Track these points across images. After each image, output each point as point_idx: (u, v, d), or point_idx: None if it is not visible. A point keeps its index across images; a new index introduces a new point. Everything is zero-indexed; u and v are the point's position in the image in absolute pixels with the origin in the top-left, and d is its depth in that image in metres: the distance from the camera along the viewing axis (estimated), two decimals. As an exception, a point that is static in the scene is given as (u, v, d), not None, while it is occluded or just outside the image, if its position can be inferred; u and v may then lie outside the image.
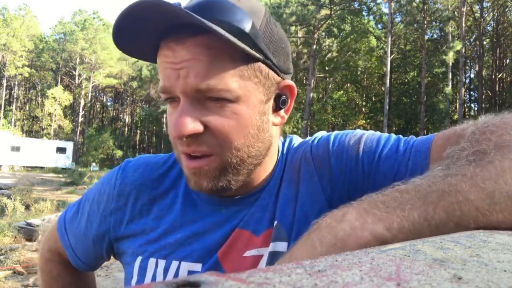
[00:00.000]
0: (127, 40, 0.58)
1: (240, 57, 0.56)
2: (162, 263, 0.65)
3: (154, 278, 0.65)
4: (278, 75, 0.62)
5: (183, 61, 0.55)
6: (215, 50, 0.55)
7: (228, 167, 0.59)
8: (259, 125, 0.61)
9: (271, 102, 0.63)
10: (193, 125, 0.55)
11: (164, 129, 46.03)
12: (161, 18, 0.53)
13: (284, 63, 0.63)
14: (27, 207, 9.76)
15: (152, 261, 0.66)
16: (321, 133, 0.74)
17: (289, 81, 0.65)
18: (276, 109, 0.64)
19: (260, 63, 0.58)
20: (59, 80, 46.41)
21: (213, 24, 0.51)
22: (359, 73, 34.80)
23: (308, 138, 0.75)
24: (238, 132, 0.58)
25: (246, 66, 0.57)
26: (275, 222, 0.65)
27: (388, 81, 22.23)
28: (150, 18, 0.53)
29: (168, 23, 0.55)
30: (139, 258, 0.67)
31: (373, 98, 35.32)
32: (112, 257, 0.78)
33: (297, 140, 0.76)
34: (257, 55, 0.57)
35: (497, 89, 31.72)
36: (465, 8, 24.85)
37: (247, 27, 0.55)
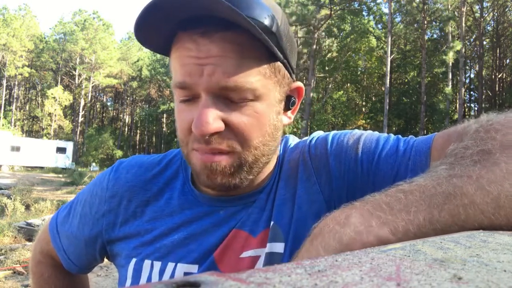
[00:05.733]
0: (146, 30, 0.54)
1: (265, 56, 0.56)
2: (157, 265, 0.64)
3: (149, 280, 0.64)
4: (291, 75, 0.63)
5: (210, 57, 0.52)
6: (243, 47, 0.54)
7: (244, 165, 0.59)
8: (275, 124, 0.61)
9: (283, 102, 0.63)
10: (216, 124, 0.54)
11: (164, 129, 46.00)
12: (192, 5, 0.50)
13: (294, 63, 0.63)
14: (27, 207, 9.77)
15: (147, 263, 0.65)
16: (319, 133, 0.73)
17: (299, 83, 0.65)
18: (285, 109, 0.65)
19: (279, 63, 0.59)
20: (59, 80, 46.39)
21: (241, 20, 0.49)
22: (359, 73, 34.82)
23: (305, 138, 0.74)
24: (257, 130, 0.58)
25: (269, 65, 0.57)
26: (272, 223, 0.64)
27: (388, 81, 22.22)
28: (179, 4, 0.50)
29: (196, 12, 0.51)
30: (134, 260, 0.66)
31: (373, 98, 35.32)
32: (105, 259, 0.77)
33: (293, 140, 0.75)
34: (280, 54, 0.57)
35: (497, 89, 31.70)
36: (465, 8, 24.85)
37: (273, 25, 0.55)
